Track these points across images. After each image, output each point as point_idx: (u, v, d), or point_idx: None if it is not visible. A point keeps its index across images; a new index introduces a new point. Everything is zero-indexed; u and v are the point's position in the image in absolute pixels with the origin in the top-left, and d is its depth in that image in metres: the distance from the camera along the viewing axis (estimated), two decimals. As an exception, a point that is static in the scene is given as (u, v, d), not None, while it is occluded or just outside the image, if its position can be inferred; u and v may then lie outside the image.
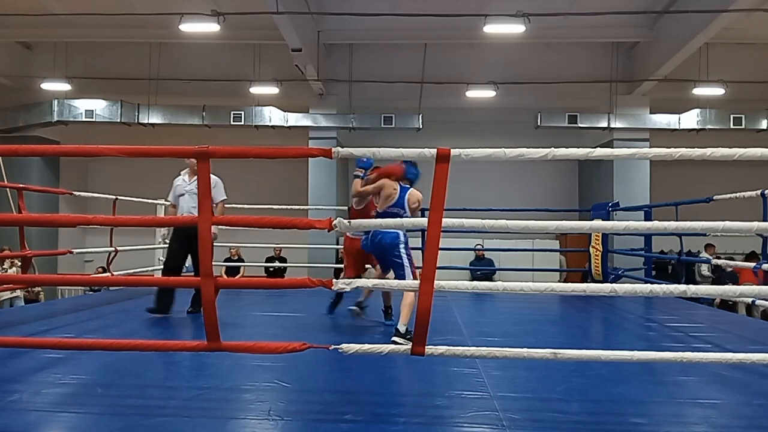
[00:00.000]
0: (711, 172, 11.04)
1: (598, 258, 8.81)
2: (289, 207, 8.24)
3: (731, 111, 11.65)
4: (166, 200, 5.97)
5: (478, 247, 10.48)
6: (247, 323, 5.34)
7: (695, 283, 10.51)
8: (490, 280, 10.03)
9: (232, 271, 10.39)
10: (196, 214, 4.62)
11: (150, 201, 8.28)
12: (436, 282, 2.66)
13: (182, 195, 5.38)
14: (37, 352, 3.72)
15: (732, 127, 11.65)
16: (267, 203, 8.54)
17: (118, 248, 7.00)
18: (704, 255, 10.23)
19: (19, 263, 6.66)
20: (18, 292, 8.84)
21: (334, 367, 3.54)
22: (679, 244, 6.93)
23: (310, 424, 2.69)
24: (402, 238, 4.48)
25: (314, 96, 12.24)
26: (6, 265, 8.94)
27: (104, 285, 8.94)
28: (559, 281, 11.60)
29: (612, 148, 8.61)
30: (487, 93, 11.97)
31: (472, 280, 9.72)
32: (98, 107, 12.02)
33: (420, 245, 8.11)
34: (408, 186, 4.60)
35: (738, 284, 9.68)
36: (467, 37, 10.98)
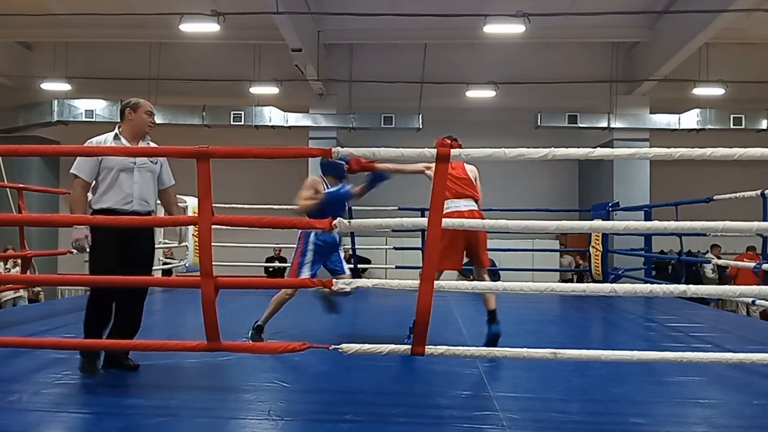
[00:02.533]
0: (711, 172, 11.04)
1: (598, 258, 8.81)
2: (289, 207, 8.22)
3: (731, 111, 11.65)
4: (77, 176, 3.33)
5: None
6: (247, 323, 5.34)
7: (701, 284, 10.49)
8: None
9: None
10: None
11: (150, 201, 8.26)
12: (436, 282, 2.66)
13: (125, 171, 3.36)
14: (37, 352, 3.72)
15: (732, 127, 11.65)
16: (267, 203, 8.53)
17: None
18: (710, 256, 10.23)
19: (19, 263, 6.66)
20: (21, 292, 8.85)
21: (334, 367, 3.53)
22: (679, 244, 6.93)
23: (310, 424, 2.69)
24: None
25: (314, 96, 12.24)
26: (9, 264, 8.95)
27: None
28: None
29: (612, 148, 8.61)
30: (487, 93, 11.98)
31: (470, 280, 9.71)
32: (98, 107, 12.03)
33: (420, 245, 8.13)
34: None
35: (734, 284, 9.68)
36: (467, 37, 10.98)
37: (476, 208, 4.24)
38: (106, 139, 3.46)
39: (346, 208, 4.68)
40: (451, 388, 3.19)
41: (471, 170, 4.39)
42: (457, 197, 4.17)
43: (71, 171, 3.36)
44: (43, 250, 7.86)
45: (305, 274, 4.11)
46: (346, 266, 4.44)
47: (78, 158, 3.36)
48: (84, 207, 3.35)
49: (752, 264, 5.44)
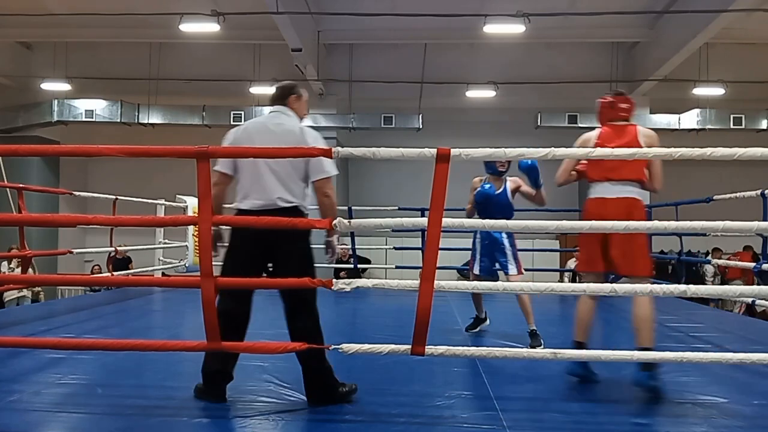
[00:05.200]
0: (711, 172, 11.04)
1: (598, 258, 8.80)
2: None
3: (731, 111, 11.64)
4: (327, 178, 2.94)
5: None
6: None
7: (702, 284, 10.51)
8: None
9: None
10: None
11: (150, 201, 8.27)
12: (436, 282, 2.66)
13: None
14: (37, 352, 3.72)
15: (732, 127, 11.64)
16: (267, 203, 8.54)
17: (118, 248, 7.00)
18: (711, 258, 10.25)
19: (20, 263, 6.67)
20: (25, 292, 8.85)
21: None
22: (679, 244, 6.92)
23: (310, 424, 2.69)
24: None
25: (314, 96, 12.23)
26: (13, 264, 8.95)
27: (104, 285, 8.94)
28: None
29: (612, 148, 8.59)
30: (487, 93, 11.97)
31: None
32: (98, 107, 12.02)
33: (420, 245, 8.13)
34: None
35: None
36: (467, 37, 10.97)
37: (633, 194, 3.26)
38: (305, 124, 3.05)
39: (506, 207, 4.75)
40: (451, 388, 3.19)
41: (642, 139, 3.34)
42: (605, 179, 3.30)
43: (333, 172, 2.93)
44: (43, 250, 7.84)
45: (476, 268, 4.63)
46: (513, 267, 4.56)
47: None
48: None
49: (746, 264, 5.44)
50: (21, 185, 5.68)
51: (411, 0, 9.88)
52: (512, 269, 4.54)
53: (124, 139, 10.10)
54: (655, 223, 2.94)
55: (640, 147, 3.21)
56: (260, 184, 2.87)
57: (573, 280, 11.36)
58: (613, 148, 3.16)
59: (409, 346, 2.74)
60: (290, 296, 2.94)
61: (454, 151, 2.65)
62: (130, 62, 12.12)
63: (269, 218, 2.81)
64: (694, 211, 5.83)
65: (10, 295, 8.73)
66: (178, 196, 8.36)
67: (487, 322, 5.01)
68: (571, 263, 10.47)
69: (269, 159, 2.84)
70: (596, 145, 3.37)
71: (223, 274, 2.84)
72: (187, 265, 8.24)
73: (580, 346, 3.33)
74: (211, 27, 9.41)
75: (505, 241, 4.59)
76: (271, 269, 2.98)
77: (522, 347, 2.78)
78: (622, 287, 2.78)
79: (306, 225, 2.92)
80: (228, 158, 2.94)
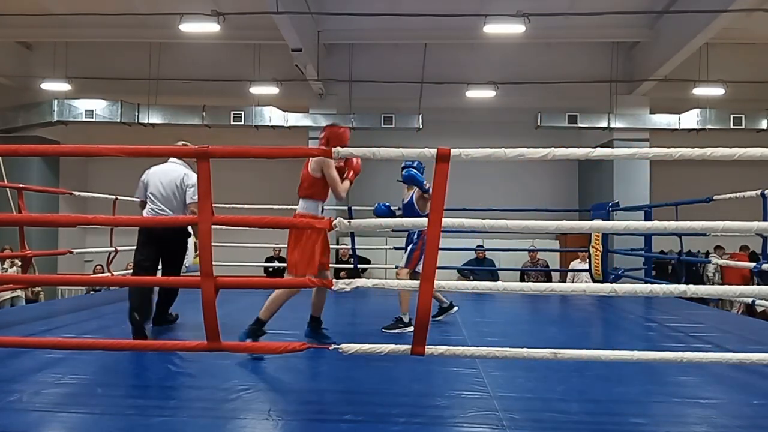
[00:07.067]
0: (711, 172, 11.02)
1: (598, 258, 8.81)
2: (289, 207, 8.21)
3: (731, 111, 11.64)
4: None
5: (479, 247, 10.46)
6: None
7: (702, 284, 10.50)
8: (493, 280, 10.02)
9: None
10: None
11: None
12: (436, 282, 2.66)
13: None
14: (37, 352, 3.72)
15: (732, 127, 11.64)
16: (267, 203, 8.53)
17: (118, 248, 7.00)
18: (714, 256, 10.24)
19: (20, 263, 6.66)
20: (19, 292, 8.85)
21: (334, 367, 3.54)
22: (679, 244, 6.92)
23: (310, 424, 2.69)
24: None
25: (314, 96, 12.23)
26: (6, 264, 8.95)
27: (104, 285, 8.94)
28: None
29: (612, 148, 8.61)
30: (487, 93, 11.97)
31: (472, 280, 9.69)
32: (98, 107, 12.01)
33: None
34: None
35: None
36: (467, 37, 10.97)
37: (299, 208, 4.05)
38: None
39: (409, 210, 5.10)
40: (451, 388, 3.19)
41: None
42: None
43: (196, 199, 3.90)
44: (43, 250, 7.84)
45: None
46: (403, 261, 5.00)
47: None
48: None
49: (746, 264, 5.43)
50: (21, 185, 5.68)
51: (411, 0, 9.88)
52: (401, 263, 4.98)
53: (124, 139, 10.09)
54: (655, 223, 2.95)
55: (308, 170, 4.04)
56: (154, 205, 4.54)
57: (521, 279, 11.13)
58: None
59: (409, 346, 2.74)
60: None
61: (454, 151, 2.65)
62: (130, 62, 12.12)
63: (271, 217, 2.89)
64: (694, 211, 5.83)
65: (2, 295, 8.72)
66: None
67: (455, 308, 5.18)
68: (576, 263, 10.53)
69: (161, 192, 4.62)
70: None
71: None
72: (187, 265, 8.22)
73: (262, 323, 3.88)
74: (211, 27, 9.41)
75: (414, 237, 5.00)
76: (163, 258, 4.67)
77: (522, 347, 2.77)
78: (622, 287, 2.78)
79: (306, 225, 2.93)
80: (144, 188, 4.80)
